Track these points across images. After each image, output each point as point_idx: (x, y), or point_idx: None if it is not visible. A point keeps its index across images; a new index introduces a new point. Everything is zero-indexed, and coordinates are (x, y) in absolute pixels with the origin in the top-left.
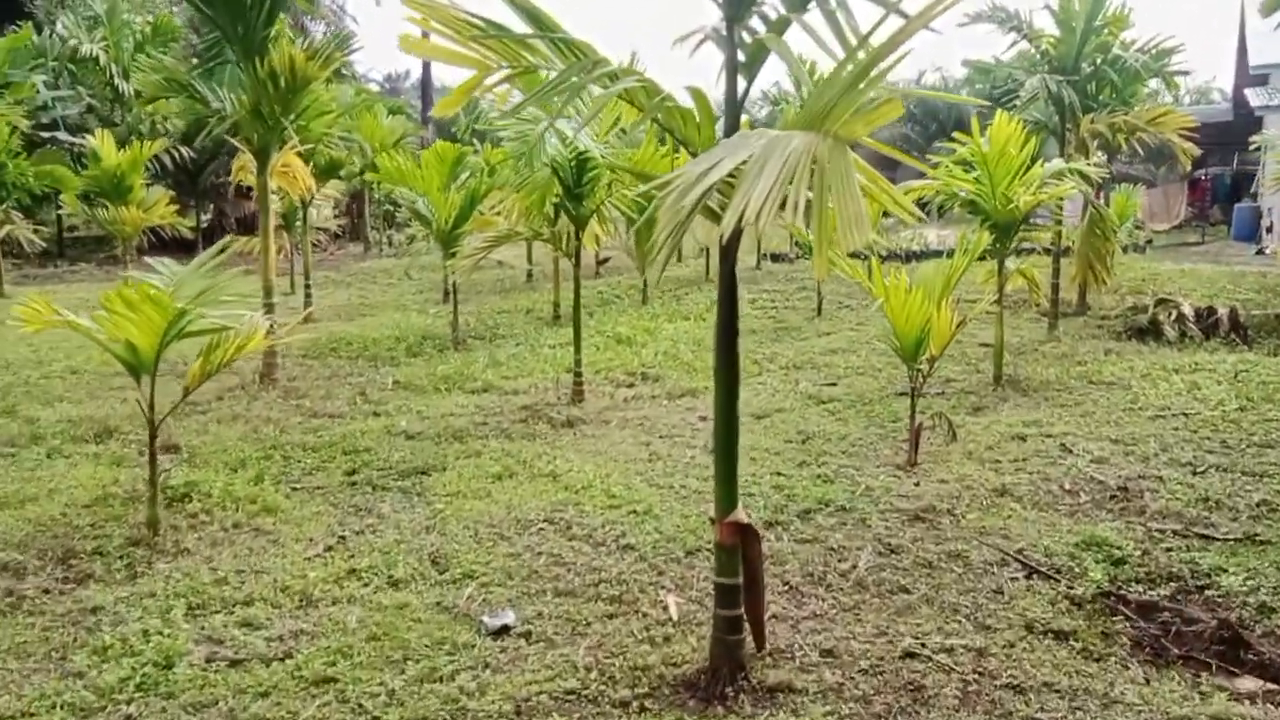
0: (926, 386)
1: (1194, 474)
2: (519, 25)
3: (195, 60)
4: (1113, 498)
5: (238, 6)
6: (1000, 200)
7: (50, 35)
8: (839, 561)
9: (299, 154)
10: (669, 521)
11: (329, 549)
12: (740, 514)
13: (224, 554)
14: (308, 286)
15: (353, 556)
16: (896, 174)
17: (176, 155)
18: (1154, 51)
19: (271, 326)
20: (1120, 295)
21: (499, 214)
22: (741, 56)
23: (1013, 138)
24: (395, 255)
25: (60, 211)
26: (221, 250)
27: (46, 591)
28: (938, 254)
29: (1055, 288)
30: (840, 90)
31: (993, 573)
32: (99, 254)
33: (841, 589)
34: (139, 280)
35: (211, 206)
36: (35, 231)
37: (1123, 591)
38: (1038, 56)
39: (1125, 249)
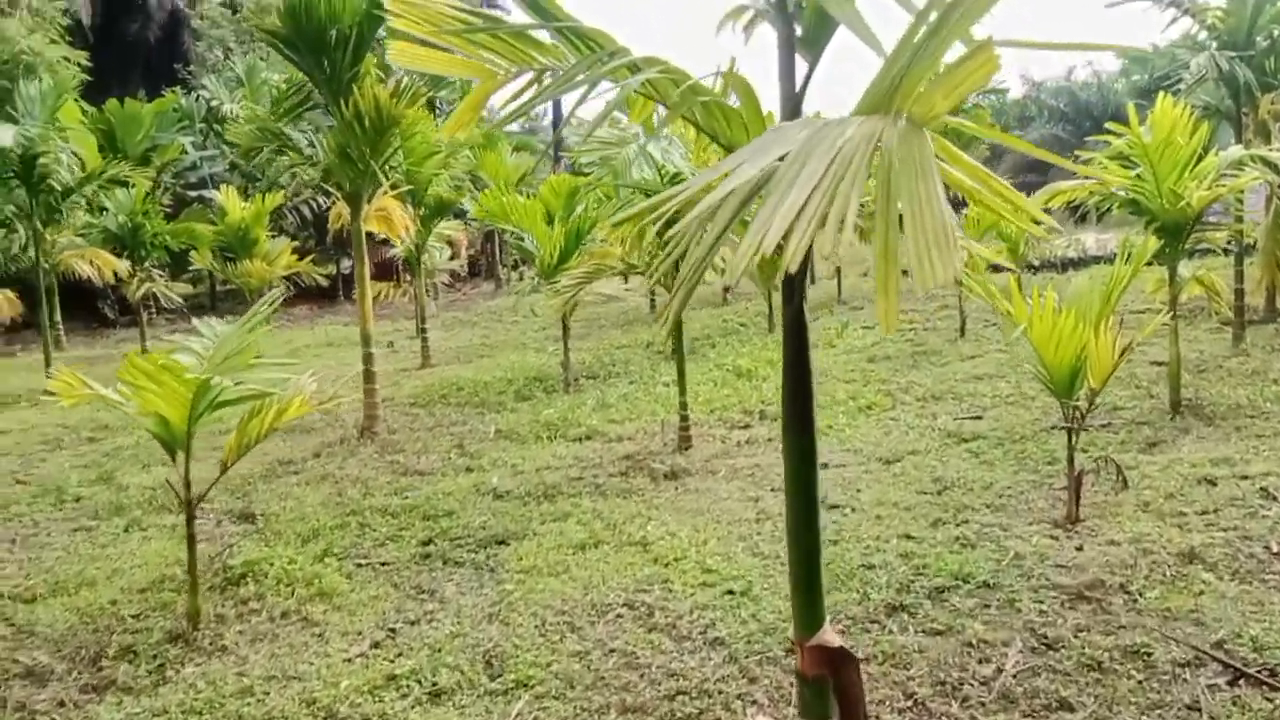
0: (1089, 418)
1: None
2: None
3: (284, 107)
4: None
5: (321, 47)
6: (1168, 198)
7: (196, 98)
8: (979, 663)
9: (399, 196)
10: (768, 604)
11: (375, 645)
12: (829, 635)
13: (261, 652)
14: (424, 330)
15: (400, 655)
16: (1047, 177)
17: (314, 205)
18: None
19: (320, 388)
20: None
21: (610, 244)
22: (799, 31)
23: (1179, 125)
24: (521, 293)
25: (193, 267)
26: (271, 303)
27: (61, 704)
28: (1098, 260)
29: (1239, 293)
30: (915, 50)
31: (1184, 679)
32: (248, 305)
33: (982, 704)
34: (179, 344)
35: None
36: (193, 285)
37: None
38: (1203, 34)
39: None
